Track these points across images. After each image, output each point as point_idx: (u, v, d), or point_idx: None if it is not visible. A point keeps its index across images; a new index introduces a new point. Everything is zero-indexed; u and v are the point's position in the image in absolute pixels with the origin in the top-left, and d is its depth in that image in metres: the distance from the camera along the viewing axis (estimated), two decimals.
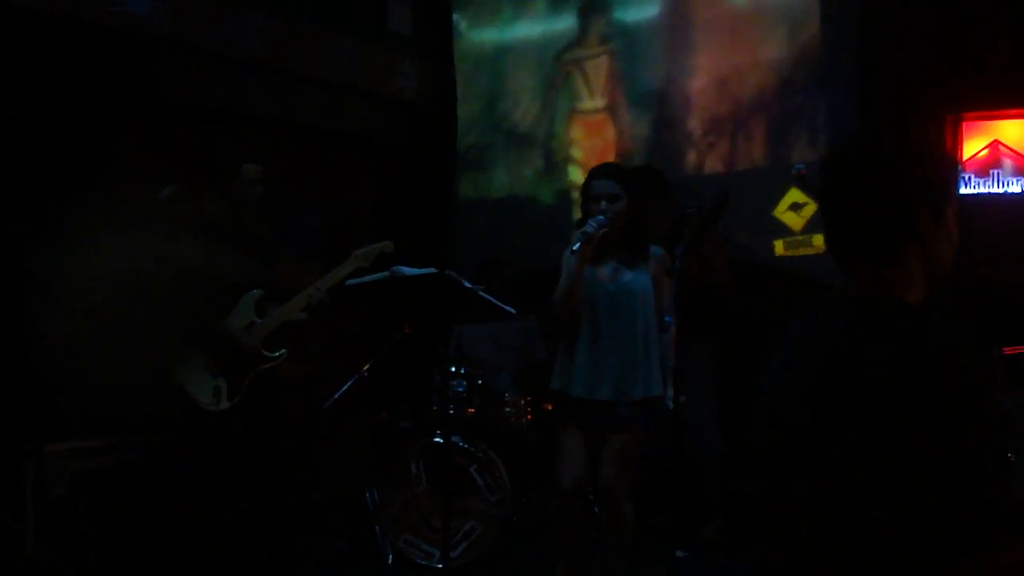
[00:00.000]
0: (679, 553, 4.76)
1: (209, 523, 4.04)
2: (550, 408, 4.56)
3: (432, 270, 3.72)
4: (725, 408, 5.10)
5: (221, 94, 5.67)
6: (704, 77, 5.93)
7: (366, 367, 4.97)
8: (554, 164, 6.53)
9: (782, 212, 5.50)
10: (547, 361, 5.08)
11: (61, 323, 4.22)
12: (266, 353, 4.15)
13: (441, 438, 4.72)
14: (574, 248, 3.79)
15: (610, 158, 5.90)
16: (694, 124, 6.01)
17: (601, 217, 3.88)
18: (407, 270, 3.71)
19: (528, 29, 6.68)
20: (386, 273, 3.74)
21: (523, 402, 5.04)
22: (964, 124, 5.16)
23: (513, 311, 3.93)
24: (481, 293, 3.80)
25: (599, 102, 6.36)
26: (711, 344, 5.04)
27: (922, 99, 5.07)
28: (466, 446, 4.72)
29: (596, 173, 4.03)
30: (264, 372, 4.15)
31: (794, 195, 5.43)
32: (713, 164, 5.88)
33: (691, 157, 5.99)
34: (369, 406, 5.43)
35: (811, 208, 5.36)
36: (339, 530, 5.25)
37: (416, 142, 6.95)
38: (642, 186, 4.49)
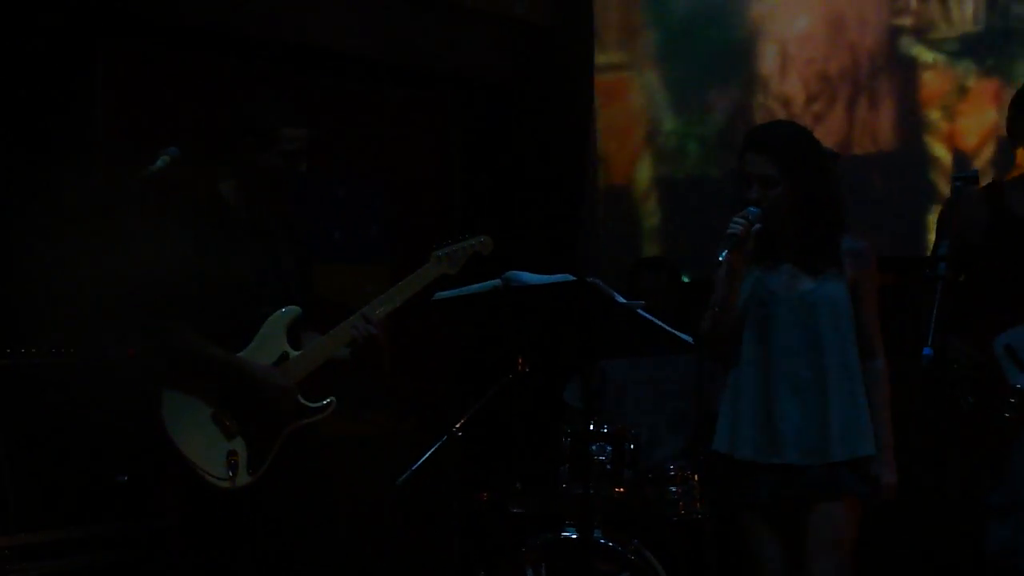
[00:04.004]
0: None
1: None
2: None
3: (567, 277, 3.57)
4: None
5: (244, 16, 5.54)
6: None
7: (459, 424, 4.88)
8: None
9: None
10: None
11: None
12: (305, 403, 4.01)
13: (574, 532, 4.66)
14: (720, 256, 3.79)
15: (636, 139, 6.24)
16: (793, 88, 6.00)
17: (753, 209, 3.85)
18: (528, 277, 3.59)
19: None
20: (496, 281, 3.62)
21: (697, 479, 4.90)
22: None
23: (690, 340, 3.82)
24: (641, 312, 3.65)
25: (615, 56, 6.54)
26: None
27: None
28: (612, 544, 4.63)
29: (746, 143, 4.01)
30: (302, 430, 4.01)
31: None
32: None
33: None
34: (463, 482, 5.23)
35: None
36: None
37: (531, 84, 6.74)
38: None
